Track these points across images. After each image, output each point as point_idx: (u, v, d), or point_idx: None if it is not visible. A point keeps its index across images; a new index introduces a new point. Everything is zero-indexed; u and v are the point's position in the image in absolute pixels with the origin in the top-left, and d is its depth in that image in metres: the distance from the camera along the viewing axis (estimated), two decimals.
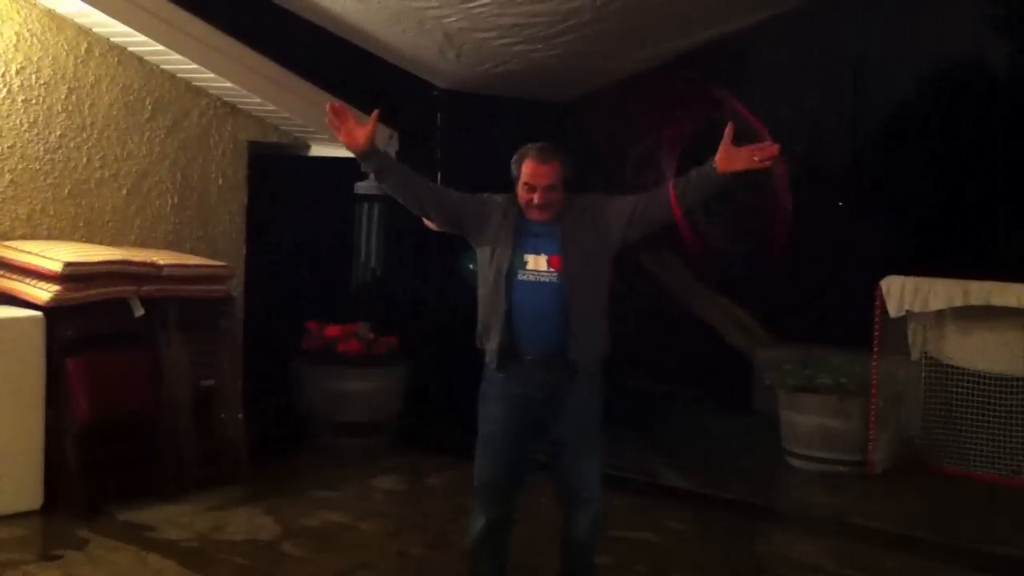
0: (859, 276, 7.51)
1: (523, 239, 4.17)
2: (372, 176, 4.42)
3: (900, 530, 5.97)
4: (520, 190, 4.17)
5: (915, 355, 7.17)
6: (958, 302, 6.84)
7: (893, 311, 7.01)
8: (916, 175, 8.30)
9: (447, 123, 8.18)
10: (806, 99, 8.61)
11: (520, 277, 4.14)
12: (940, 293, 6.89)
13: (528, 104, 8.50)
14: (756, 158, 4.07)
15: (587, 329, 4.15)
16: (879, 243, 8.23)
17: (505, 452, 4.28)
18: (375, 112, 4.12)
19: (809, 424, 7.11)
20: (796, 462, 7.15)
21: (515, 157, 4.20)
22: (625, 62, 8.35)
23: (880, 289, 7.06)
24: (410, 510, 6.19)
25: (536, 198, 4.13)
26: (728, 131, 4.08)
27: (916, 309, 6.97)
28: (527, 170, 4.15)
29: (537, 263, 4.14)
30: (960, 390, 7.04)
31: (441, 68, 8.04)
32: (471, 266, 7.58)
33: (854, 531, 5.97)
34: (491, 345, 4.18)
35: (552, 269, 4.12)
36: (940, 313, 7.02)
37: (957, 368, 7.06)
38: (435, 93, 8.24)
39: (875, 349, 7.05)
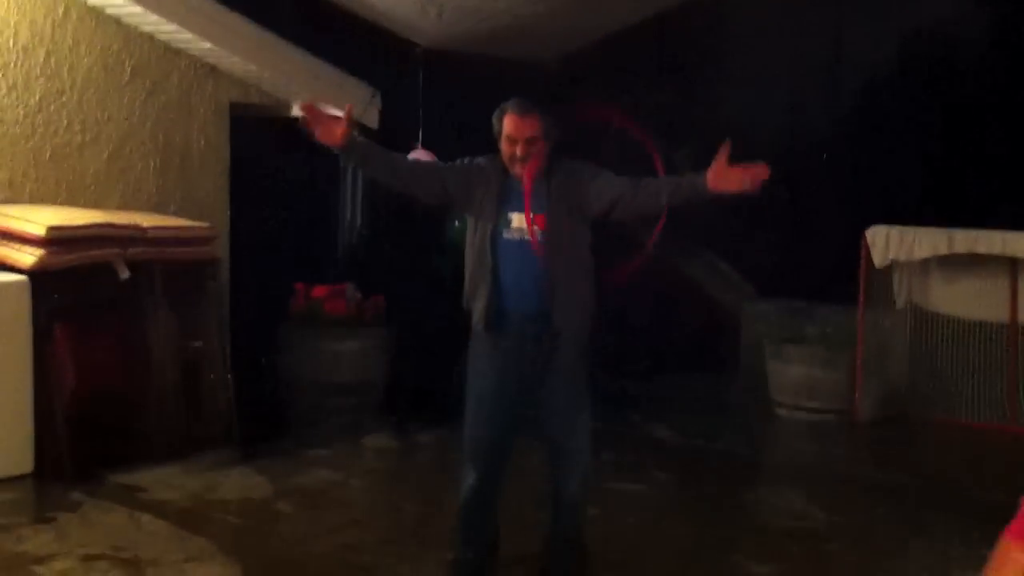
0: (843, 228, 7.55)
1: (508, 197, 4.16)
2: (351, 167, 4.42)
3: (887, 478, 6.04)
4: (503, 145, 4.16)
5: (900, 304, 7.23)
6: (943, 250, 6.88)
7: (878, 261, 7.04)
8: (900, 125, 8.31)
9: (429, 82, 8.13)
10: (787, 54, 8.60)
11: (505, 236, 4.15)
12: (925, 242, 6.92)
13: (512, 63, 8.45)
14: (747, 183, 3.93)
15: (570, 288, 4.15)
16: (862, 194, 8.25)
17: (494, 409, 4.29)
18: (349, 107, 4.07)
19: (796, 375, 7.17)
20: (783, 412, 7.21)
21: (496, 113, 4.19)
22: (607, 20, 8.31)
23: (865, 239, 7.09)
24: (401, 467, 6.23)
25: (518, 150, 4.11)
26: (724, 149, 3.95)
27: (901, 258, 7.01)
28: (508, 124, 4.14)
29: (522, 221, 4.14)
30: (945, 338, 7.10)
31: (423, 26, 7.98)
32: (457, 223, 7.60)
33: (841, 479, 6.04)
34: (478, 304, 4.19)
35: (535, 227, 4.12)
36: (925, 262, 7.06)
37: (942, 316, 7.11)
38: (417, 51, 8.18)
39: (860, 299, 7.09)
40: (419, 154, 7.35)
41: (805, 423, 7.07)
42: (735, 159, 3.95)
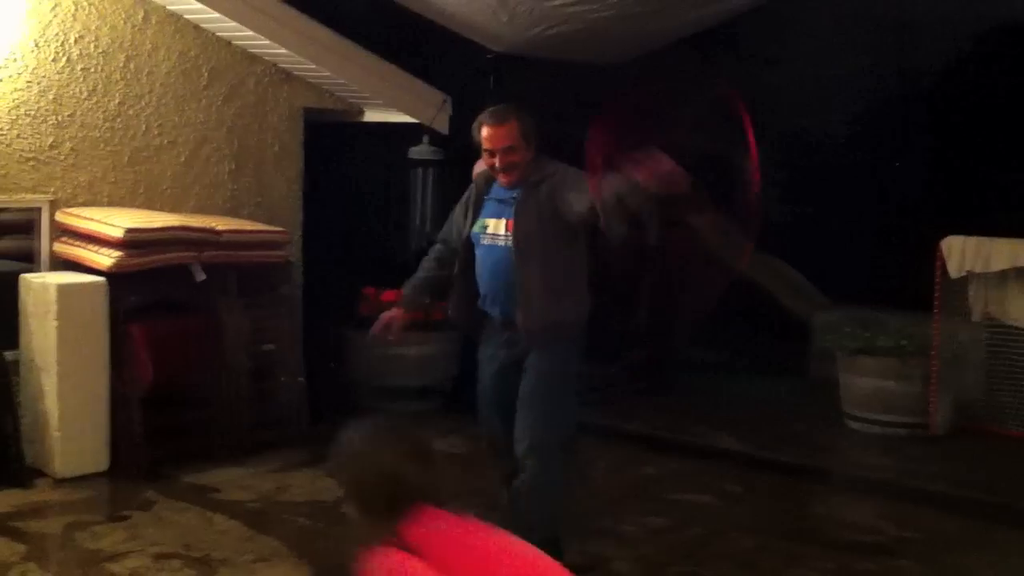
0: (918, 236, 7.40)
1: (487, 204, 4.24)
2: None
3: (960, 493, 5.90)
4: (484, 157, 4.18)
5: (976, 316, 7.06)
6: (1022, 262, 6.72)
7: (954, 271, 6.90)
8: (978, 133, 8.14)
9: (500, 88, 8.14)
10: (856, 59, 8.47)
11: (483, 241, 4.22)
12: (1003, 252, 6.76)
13: (581, 67, 8.43)
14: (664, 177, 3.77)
15: (539, 296, 4.10)
16: (938, 202, 8.09)
17: (491, 412, 4.39)
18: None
19: (868, 387, 7.04)
20: (855, 425, 7.09)
21: (474, 124, 4.18)
22: (677, 22, 8.25)
23: (940, 249, 6.95)
24: (467, 473, 6.23)
25: (496, 162, 4.10)
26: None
27: (977, 269, 6.86)
28: (484, 135, 4.12)
29: (497, 227, 4.18)
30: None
31: (493, 31, 7.99)
32: None
33: (913, 494, 5.91)
34: (457, 309, 4.42)
35: (508, 233, 4.13)
36: (1003, 273, 6.89)
37: (1021, 329, 6.94)
38: (488, 57, 8.20)
39: (935, 310, 6.95)
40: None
41: (877, 436, 6.94)
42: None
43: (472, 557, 2.44)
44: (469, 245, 4.28)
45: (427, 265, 4.55)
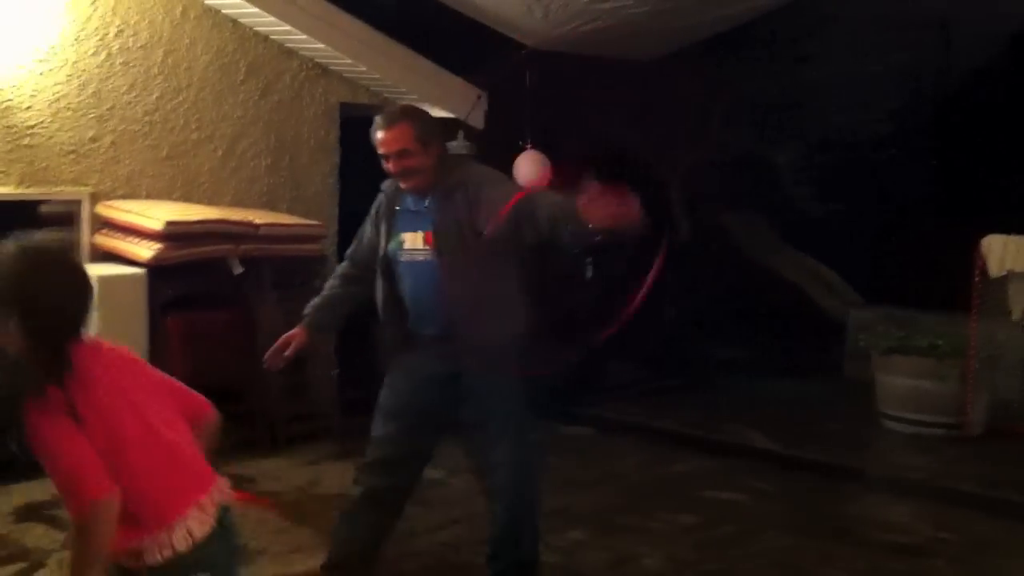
0: (953, 235, 7.35)
1: (400, 217, 3.93)
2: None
3: (995, 494, 5.86)
4: (384, 164, 3.91)
5: (1016, 316, 7.00)
6: None
7: (994, 271, 6.84)
8: (1015, 130, 8.06)
9: (535, 83, 8.14)
10: (894, 56, 8.42)
11: (401, 258, 3.91)
12: None
13: (617, 63, 8.42)
14: (618, 220, 3.41)
15: (472, 310, 3.80)
16: (976, 201, 8.03)
17: (394, 425, 4.06)
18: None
19: (903, 386, 7.00)
20: (890, 424, 7.05)
21: (372, 129, 3.92)
22: (711, 19, 8.22)
23: (980, 248, 6.90)
24: None
25: (391, 166, 3.85)
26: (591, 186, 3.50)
27: (1018, 269, 6.80)
28: (377, 140, 3.86)
29: (415, 240, 3.88)
30: None
31: (529, 26, 7.99)
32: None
33: (948, 494, 5.88)
34: (386, 331, 4.04)
35: (428, 246, 3.85)
36: None
37: None
38: (523, 52, 8.20)
39: (973, 310, 6.90)
40: (530, 155, 7.39)
41: (912, 435, 6.90)
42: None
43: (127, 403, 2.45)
44: (388, 263, 3.95)
45: (330, 283, 4.23)
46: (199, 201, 6.45)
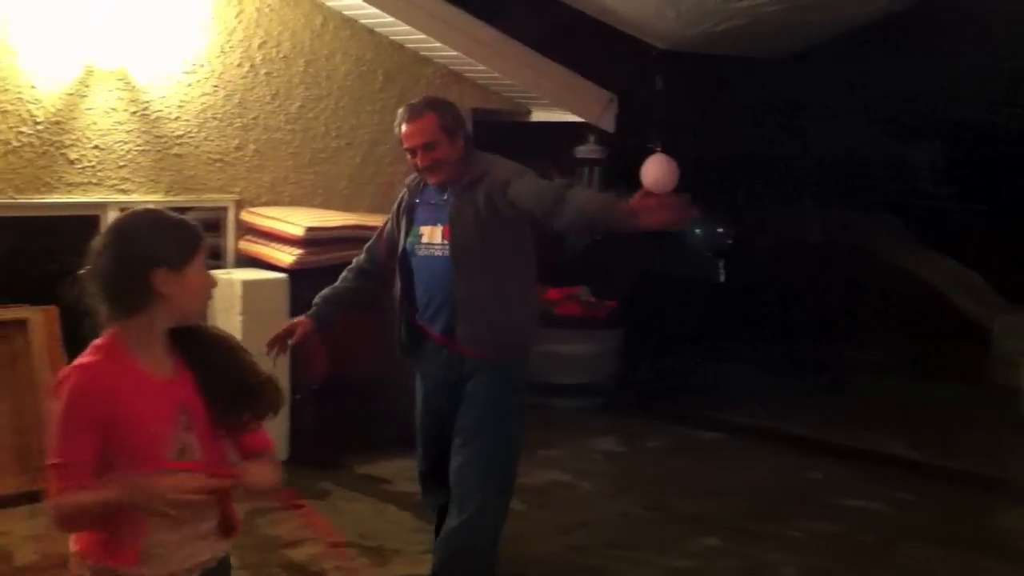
0: None
1: (419, 210, 3.83)
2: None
3: None
4: (408, 159, 3.81)
5: None
6: None
7: None
8: None
9: (667, 85, 8.11)
10: None
11: (418, 253, 3.81)
12: None
13: (748, 63, 8.33)
14: (674, 220, 3.40)
15: (482, 311, 3.68)
16: None
17: (427, 441, 4.01)
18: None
19: None
20: None
21: (396, 122, 3.82)
22: (846, 15, 8.05)
23: None
24: (629, 472, 6.26)
25: (419, 161, 3.72)
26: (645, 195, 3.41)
27: None
28: (402, 133, 3.75)
29: (432, 235, 3.77)
30: None
31: (659, 28, 7.97)
32: (696, 229, 7.59)
33: None
34: (398, 331, 3.93)
35: (445, 241, 3.72)
36: None
37: None
38: (654, 54, 8.18)
39: None
40: (659, 159, 7.34)
41: None
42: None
43: None
44: (405, 258, 3.85)
45: (345, 276, 4.13)
46: (338, 207, 6.62)
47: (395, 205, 3.99)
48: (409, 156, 3.77)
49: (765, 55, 8.46)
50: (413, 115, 3.74)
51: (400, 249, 3.86)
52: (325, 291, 4.12)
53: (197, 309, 2.43)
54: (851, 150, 9.35)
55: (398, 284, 3.91)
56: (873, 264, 9.02)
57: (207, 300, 2.46)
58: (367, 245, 4.14)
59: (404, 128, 3.75)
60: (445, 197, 3.76)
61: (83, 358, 2.30)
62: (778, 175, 8.92)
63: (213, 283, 2.44)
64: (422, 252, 3.80)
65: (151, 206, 2.49)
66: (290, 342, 3.97)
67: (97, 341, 2.32)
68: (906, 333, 8.47)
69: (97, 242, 2.33)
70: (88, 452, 2.22)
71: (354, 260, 4.16)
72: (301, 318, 4.04)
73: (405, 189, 3.96)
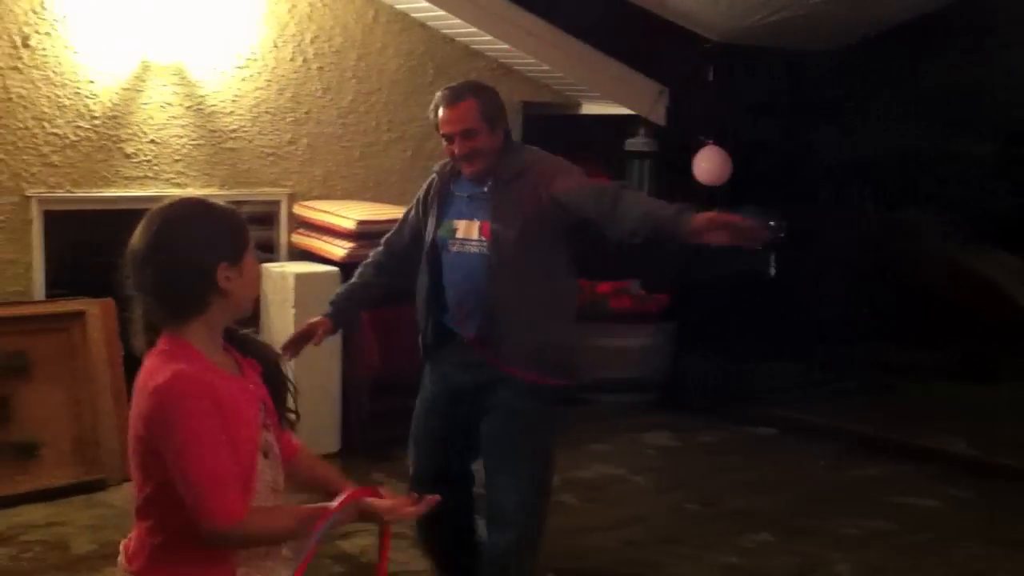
0: None
1: (453, 203, 3.57)
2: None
3: None
4: (444, 146, 3.57)
5: None
6: None
7: None
8: None
9: (719, 77, 8.04)
10: None
11: (451, 248, 3.56)
12: None
13: (798, 55, 8.23)
14: (741, 240, 3.18)
15: (518, 314, 3.46)
16: None
17: (428, 445, 3.76)
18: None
19: None
20: None
21: (431, 108, 3.58)
22: (901, 6, 7.94)
23: None
24: (682, 467, 6.22)
25: (456, 148, 3.48)
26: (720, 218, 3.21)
27: None
28: (440, 118, 3.51)
29: (469, 230, 3.53)
30: None
31: (711, 20, 7.89)
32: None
33: None
34: (420, 325, 3.72)
35: (484, 237, 3.48)
36: None
37: None
38: (706, 46, 8.11)
39: None
40: (711, 151, 7.30)
41: None
42: None
43: None
44: (435, 252, 3.61)
45: (362, 271, 3.86)
46: (389, 200, 6.64)
47: (422, 191, 3.74)
48: (445, 143, 3.54)
49: (817, 48, 8.36)
50: (453, 99, 3.49)
51: (429, 240, 3.61)
52: (342, 289, 3.92)
53: (252, 302, 2.30)
54: (904, 145, 9.21)
55: (424, 278, 3.67)
56: (928, 260, 8.89)
57: (258, 291, 2.38)
58: (386, 237, 3.88)
59: (442, 113, 3.51)
60: (484, 190, 3.52)
61: (169, 366, 2.08)
62: (830, 169, 8.80)
63: (261, 270, 2.38)
64: (456, 248, 3.55)
65: (189, 196, 2.43)
66: (313, 343, 3.65)
67: (162, 347, 2.14)
68: (962, 331, 8.34)
69: (142, 240, 2.16)
70: (231, 463, 2.06)
71: (372, 254, 3.91)
72: (319, 319, 3.72)
73: (434, 175, 3.71)
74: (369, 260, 3.89)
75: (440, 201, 3.60)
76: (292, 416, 2.36)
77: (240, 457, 2.09)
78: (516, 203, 3.46)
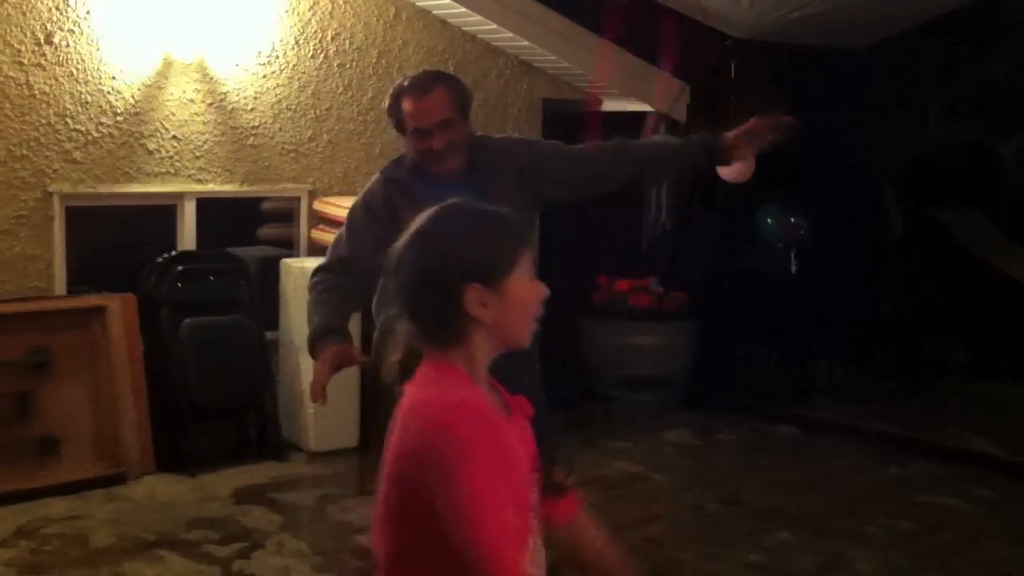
0: None
1: (424, 205, 3.14)
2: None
3: None
4: (410, 141, 3.15)
5: None
6: None
7: None
8: None
9: (741, 74, 7.99)
10: None
11: None
12: None
13: (825, 52, 8.17)
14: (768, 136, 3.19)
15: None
16: None
17: None
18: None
19: None
20: None
21: (389, 101, 3.20)
22: (926, 5, 7.87)
23: None
24: (703, 465, 6.19)
25: (435, 143, 3.08)
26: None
27: None
28: (409, 111, 3.10)
29: None
30: None
31: (732, 16, 7.85)
32: (769, 220, 7.46)
33: None
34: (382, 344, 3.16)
35: None
36: None
37: None
38: (728, 43, 8.07)
39: None
40: None
41: None
42: None
43: None
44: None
45: (323, 299, 3.26)
46: None
47: (377, 200, 3.24)
48: (415, 140, 3.13)
49: (845, 44, 8.30)
50: (422, 90, 3.12)
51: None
52: (325, 317, 3.23)
53: (527, 332, 1.88)
54: (934, 142, 9.13)
55: (383, 291, 3.23)
56: (960, 260, 8.80)
57: (536, 316, 1.90)
58: (329, 262, 3.35)
59: (409, 106, 3.12)
60: (463, 184, 3.02)
61: (446, 395, 1.77)
62: (857, 167, 8.73)
63: (542, 293, 1.90)
64: None
65: (457, 202, 1.90)
66: (346, 365, 3.15)
67: (432, 373, 1.82)
68: (992, 330, 8.25)
69: (400, 246, 1.86)
70: (515, 515, 1.75)
71: (320, 280, 3.32)
72: (331, 349, 3.11)
73: (384, 180, 3.26)
74: (318, 289, 3.31)
75: (407, 206, 2.97)
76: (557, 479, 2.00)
77: (520, 511, 1.79)
78: (503, 195, 3.06)
